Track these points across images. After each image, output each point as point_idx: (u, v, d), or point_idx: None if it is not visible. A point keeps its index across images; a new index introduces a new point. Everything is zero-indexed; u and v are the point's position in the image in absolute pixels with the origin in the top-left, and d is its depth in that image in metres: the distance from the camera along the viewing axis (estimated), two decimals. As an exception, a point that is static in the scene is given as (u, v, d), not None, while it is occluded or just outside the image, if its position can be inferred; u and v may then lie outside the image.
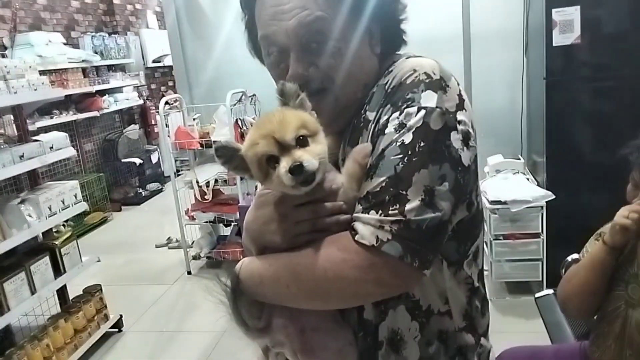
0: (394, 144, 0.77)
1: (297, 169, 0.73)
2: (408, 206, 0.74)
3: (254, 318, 0.84)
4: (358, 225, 0.77)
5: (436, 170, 0.76)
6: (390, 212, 0.74)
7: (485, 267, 3.36)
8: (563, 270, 2.03)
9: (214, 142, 3.70)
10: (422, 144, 0.76)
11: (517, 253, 2.94)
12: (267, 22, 0.86)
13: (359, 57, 0.87)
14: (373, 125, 0.83)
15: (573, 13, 2.63)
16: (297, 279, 0.79)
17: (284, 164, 0.73)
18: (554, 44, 2.71)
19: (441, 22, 3.38)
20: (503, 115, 3.59)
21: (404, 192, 0.74)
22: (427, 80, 0.79)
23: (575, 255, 2.00)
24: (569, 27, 2.65)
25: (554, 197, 2.78)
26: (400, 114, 0.78)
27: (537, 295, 2.05)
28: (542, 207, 2.82)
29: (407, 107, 0.78)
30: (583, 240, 1.60)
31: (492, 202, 2.88)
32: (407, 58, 0.87)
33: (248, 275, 0.83)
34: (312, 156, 0.74)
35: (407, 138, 0.77)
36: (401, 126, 0.78)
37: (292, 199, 0.80)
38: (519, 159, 3.33)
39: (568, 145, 2.86)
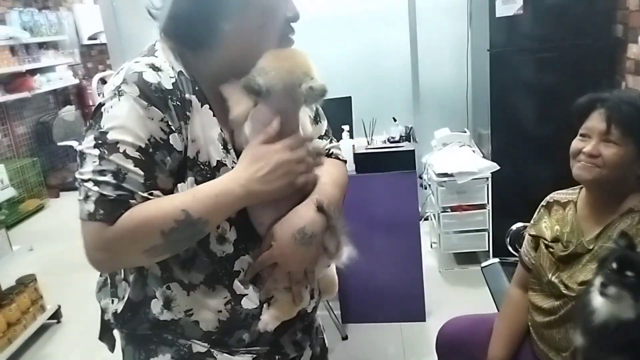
0: None
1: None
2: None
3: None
4: (339, 152, 1.16)
5: None
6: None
7: (434, 240, 3.36)
8: (508, 239, 2.05)
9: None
10: None
11: (464, 224, 2.98)
12: None
13: None
14: None
15: (515, -17, 2.63)
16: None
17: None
18: (497, 15, 2.71)
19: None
20: (449, 88, 3.60)
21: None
22: None
23: (519, 224, 2.02)
24: (511, -3, 2.65)
25: (498, 168, 2.82)
26: None
27: (483, 264, 2.08)
28: (487, 178, 2.85)
29: None
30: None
31: (439, 175, 2.89)
32: None
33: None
34: None
35: None
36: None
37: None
38: (465, 132, 3.35)
39: (512, 117, 2.89)
